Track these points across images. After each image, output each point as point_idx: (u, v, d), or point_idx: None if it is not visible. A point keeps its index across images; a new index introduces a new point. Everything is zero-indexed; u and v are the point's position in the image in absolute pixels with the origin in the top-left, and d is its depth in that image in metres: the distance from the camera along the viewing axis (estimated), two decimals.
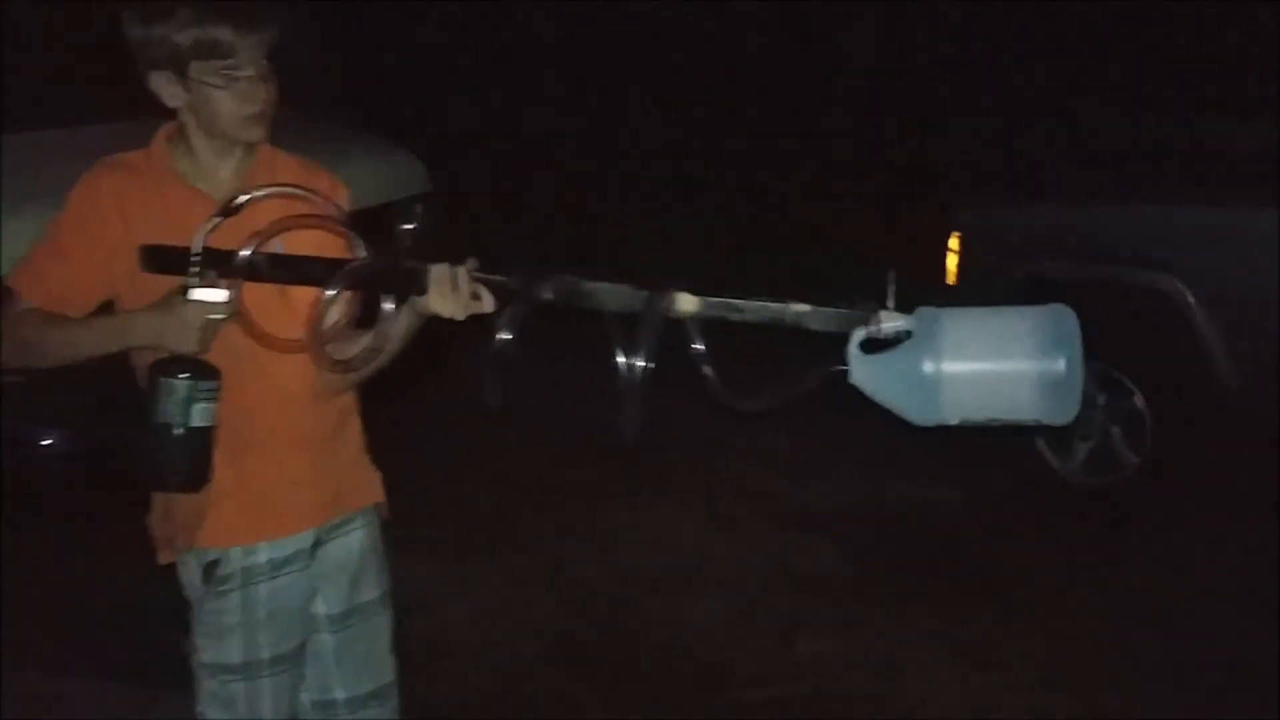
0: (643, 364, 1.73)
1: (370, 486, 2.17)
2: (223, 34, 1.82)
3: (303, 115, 5.38)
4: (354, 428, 2.13)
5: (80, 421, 3.58)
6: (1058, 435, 4.57)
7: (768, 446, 4.97)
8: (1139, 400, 4.41)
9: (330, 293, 1.81)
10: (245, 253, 1.80)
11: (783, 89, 9.80)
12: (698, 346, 1.79)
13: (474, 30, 10.04)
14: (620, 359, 1.74)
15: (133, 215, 1.89)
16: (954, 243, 4.99)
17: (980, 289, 4.69)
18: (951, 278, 5.00)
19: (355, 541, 2.13)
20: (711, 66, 9.90)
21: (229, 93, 1.86)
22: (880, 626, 3.73)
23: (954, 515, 4.52)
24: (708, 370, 1.78)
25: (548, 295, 1.81)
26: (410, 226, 5.01)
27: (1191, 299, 4.27)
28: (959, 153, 8.32)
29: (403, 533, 4.11)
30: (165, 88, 1.87)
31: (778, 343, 1.87)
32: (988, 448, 4.43)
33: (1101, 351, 4.42)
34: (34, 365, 1.92)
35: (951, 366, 1.69)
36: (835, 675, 3.49)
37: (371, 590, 2.17)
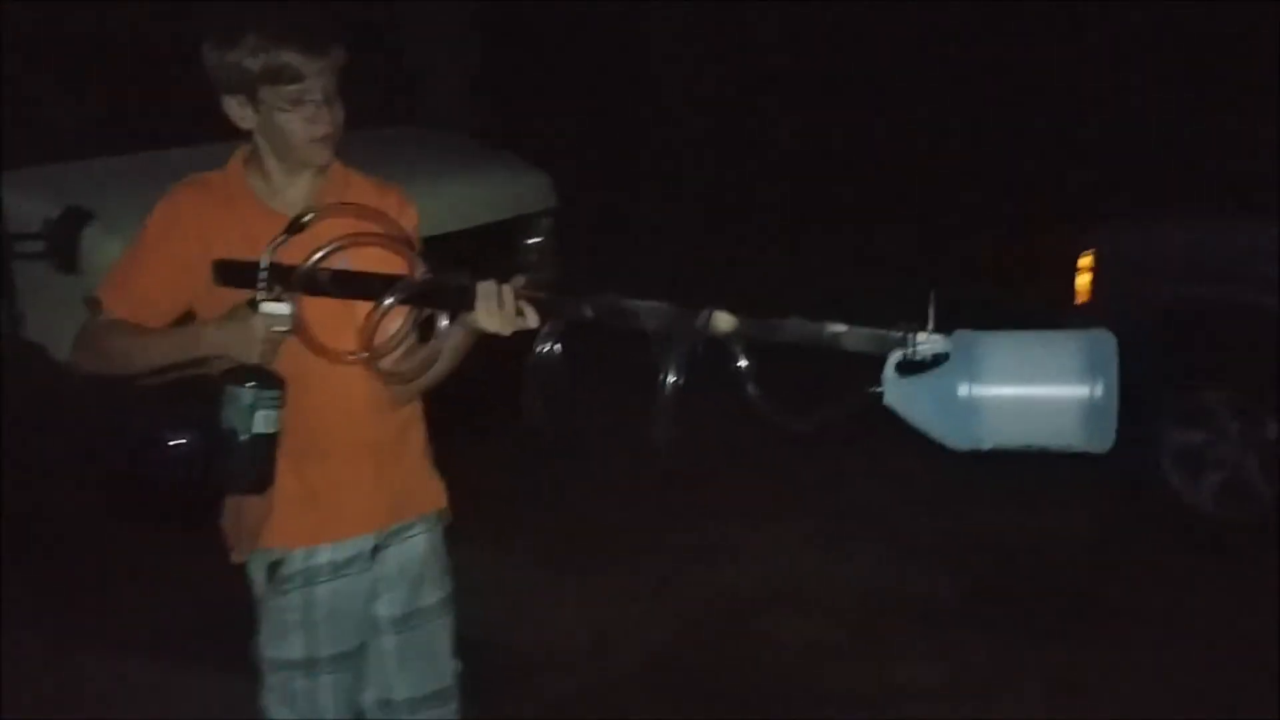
0: (674, 380, 1.75)
1: (431, 493, 2.23)
2: (289, 59, 1.91)
3: (438, 130, 5.59)
4: (417, 437, 2.20)
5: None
6: (1188, 465, 4.40)
7: (888, 469, 4.88)
8: (1274, 429, 4.20)
9: (383, 306, 1.89)
10: (304, 267, 1.88)
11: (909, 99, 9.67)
12: (742, 364, 1.81)
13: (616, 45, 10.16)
14: (662, 376, 1.77)
15: (209, 232, 1.99)
16: (1087, 261, 4.84)
17: (1117, 312, 4.53)
18: (1083, 298, 4.85)
19: (417, 546, 2.20)
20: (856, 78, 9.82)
21: (296, 116, 1.94)
22: (983, 655, 3.66)
23: (1070, 547, 4.39)
24: (752, 389, 1.79)
25: (588, 313, 1.85)
26: (535, 241, 5.14)
27: None
28: (1099, 167, 8.07)
29: (519, 544, 4.24)
30: (237, 111, 1.97)
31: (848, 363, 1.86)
32: (1112, 479, 4.31)
33: (1241, 378, 4.27)
34: (115, 372, 2.04)
35: (987, 390, 1.66)
36: (933, 703, 3.45)
37: (433, 594, 2.23)
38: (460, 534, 4.54)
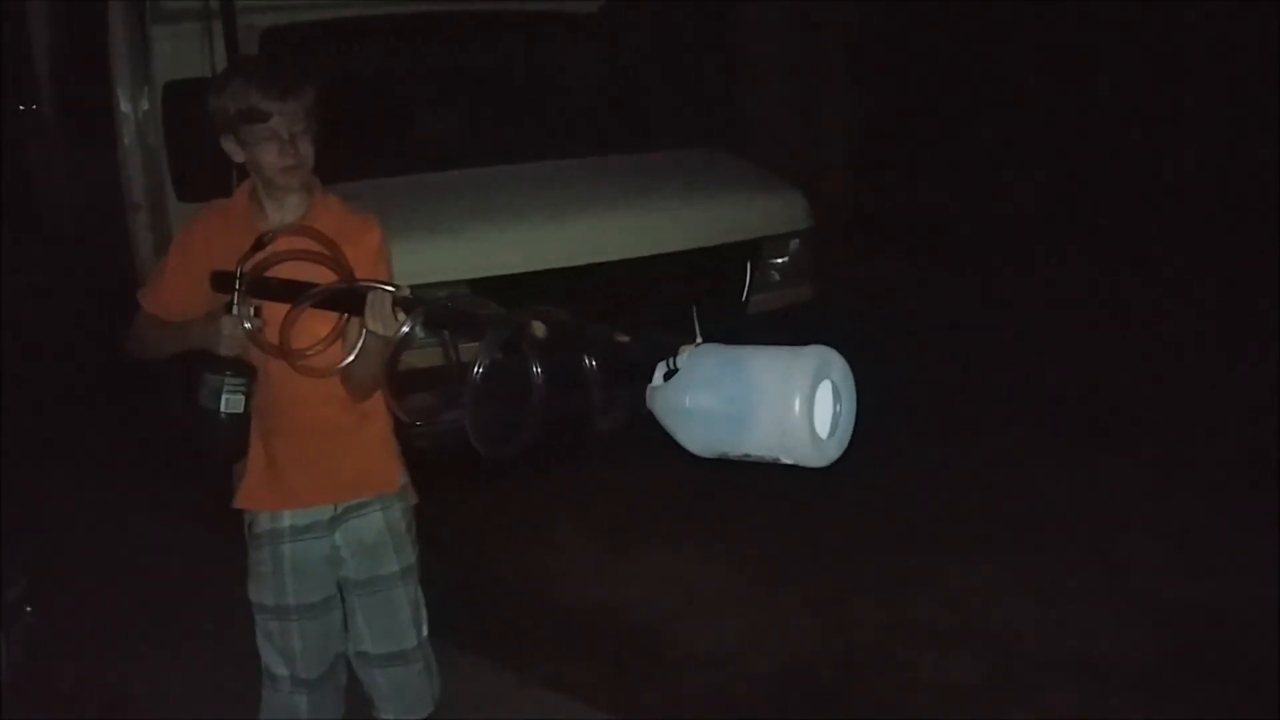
0: (479, 371, 1.93)
1: (386, 476, 2.54)
2: (259, 102, 2.28)
3: (719, 153, 5.82)
4: (375, 427, 2.50)
5: None
6: None
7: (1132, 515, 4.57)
8: None
9: (296, 308, 2.22)
10: (245, 275, 2.25)
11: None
12: (591, 365, 1.95)
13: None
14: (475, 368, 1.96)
15: (214, 248, 2.38)
16: None
17: None
18: None
19: (374, 522, 2.53)
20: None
21: (267, 150, 2.31)
22: None
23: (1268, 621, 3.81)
24: (540, 396, 1.95)
25: (444, 316, 2.10)
26: (780, 260, 5.25)
27: None
28: None
29: (721, 550, 4.47)
30: (229, 147, 2.37)
31: None
32: None
33: None
34: (145, 357, 2.51)
35: (696, 402, 1.74)
36: None
37: (390, 565, 2.54)
38: (654, 532, 4.68)
